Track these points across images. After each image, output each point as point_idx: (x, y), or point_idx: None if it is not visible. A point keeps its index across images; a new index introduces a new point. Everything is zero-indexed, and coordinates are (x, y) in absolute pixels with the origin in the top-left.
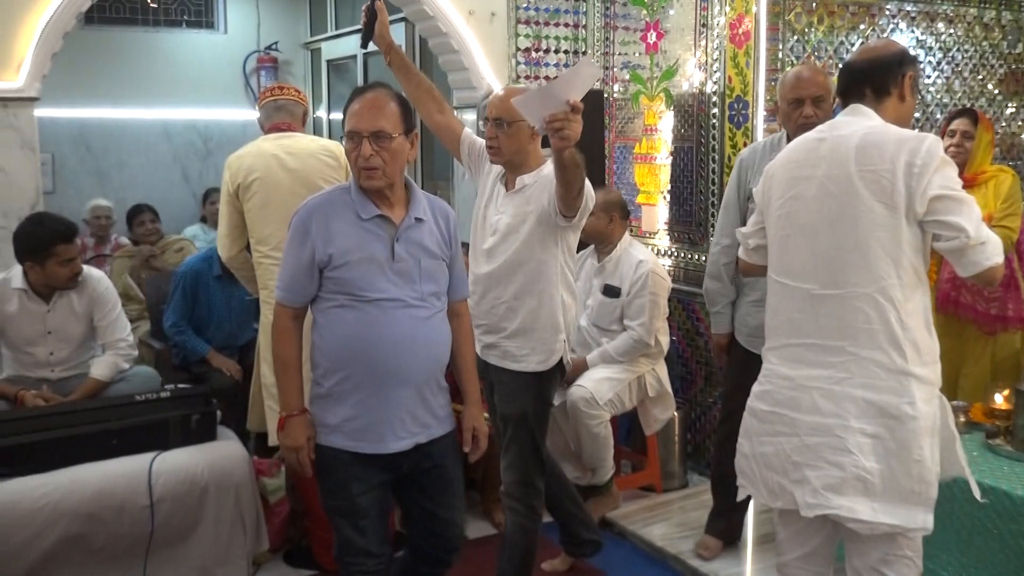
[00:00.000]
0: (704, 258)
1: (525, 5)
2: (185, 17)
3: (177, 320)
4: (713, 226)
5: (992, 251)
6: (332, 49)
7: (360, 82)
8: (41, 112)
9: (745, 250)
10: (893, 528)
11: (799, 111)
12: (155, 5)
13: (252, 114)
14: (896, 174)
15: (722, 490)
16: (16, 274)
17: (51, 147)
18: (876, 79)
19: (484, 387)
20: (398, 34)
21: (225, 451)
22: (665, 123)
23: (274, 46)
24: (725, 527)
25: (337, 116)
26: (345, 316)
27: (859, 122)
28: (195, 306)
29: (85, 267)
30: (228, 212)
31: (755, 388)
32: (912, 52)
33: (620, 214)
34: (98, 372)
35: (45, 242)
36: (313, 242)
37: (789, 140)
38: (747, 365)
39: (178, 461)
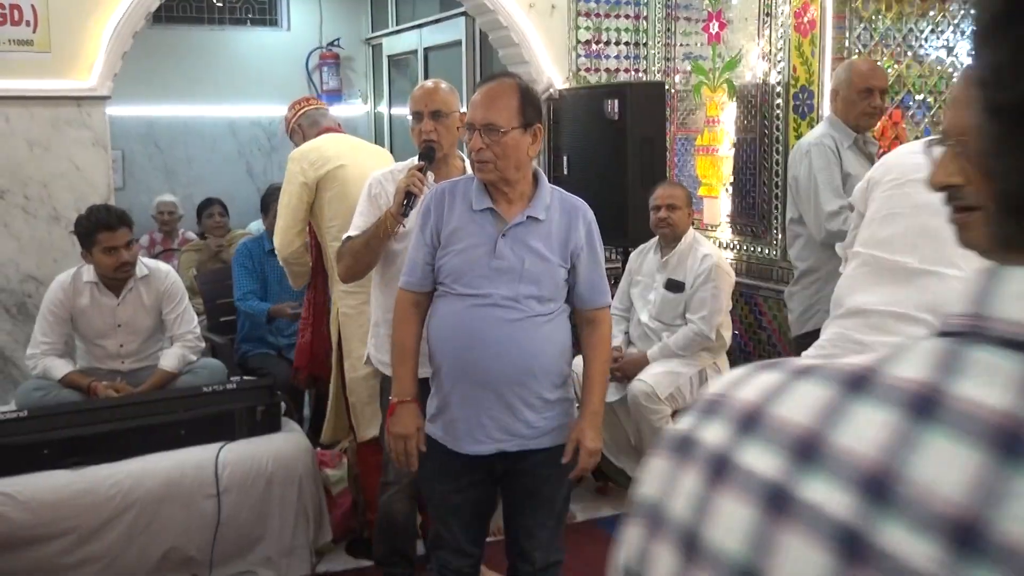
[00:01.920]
0: (767, 251)
1: None
2: (249, 15)
3: (243, 289)
4: (777, 219)
5: None
6: (393, 45)
7: (421, 77)
8: (112, 110)
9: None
10: None
11: (869, 100)
12: (220, 4)
13: None
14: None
15: None
16: (88, 268)
17: (121, 144)
18: None
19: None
20: (457, 29)
21: (289, 442)
22: (727, 114)
23: (336, 42)
24: None
25: (398, 111)
26: (442, 307)
27: None
28: (256, 275)
29: (153, 261)
30: (296, 205)
31: (816, 352)
32: None
33: (692, 209)
34: (167, 364)
35: (89, 230)
36: (432, 225)
37: (856, 129)
38: None
39: (244, 452)
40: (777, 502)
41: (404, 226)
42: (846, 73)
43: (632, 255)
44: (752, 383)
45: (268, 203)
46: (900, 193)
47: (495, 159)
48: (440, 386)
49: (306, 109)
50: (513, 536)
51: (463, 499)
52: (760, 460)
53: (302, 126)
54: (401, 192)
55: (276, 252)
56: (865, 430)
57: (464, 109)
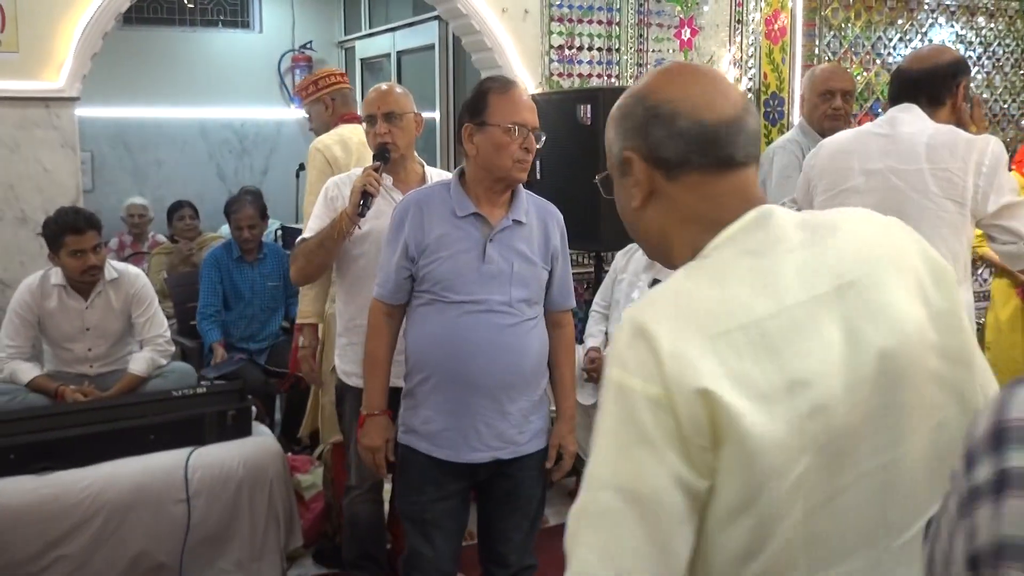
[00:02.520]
0: None
1: (558, 2)
2: (221, 17)
3: (207, 304)
4: None
5: None
6: (366, 48)
7: (394, 80)
8: (81, 112)
9: None
10: None
11: (829, 102)
12: (191, 5)
13: (287, 112)
14: (967, 172)
15: None
16: (56, 271)
17: (90, 146)
18: (931, 88)
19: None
20: (430, 33)
21: (260, 447)
22: None
23: (308, 45)
24: None
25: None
26: (428, 315)
27: (921, 121)
28: (223, 289)
29: (122, 264)
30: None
31: None
32: (952, 47)
33: None
34: (136, 368)
35: (56, 232)
36: (406, 236)
37: (821, 132)
38: None
39: (214, 456)
40: None
41: (360, 227)
42: (808, 77)
43: (618, 254)
44: None
45: (230, 211)
46: (842, 204)
47: (528, 161)
48: (428, 396)
49: (341, 86)
50: (489, 541)
51: (446, 509)
52: None
53: (334, 100)
54: (357, 192)
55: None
56: None
57: (428, 115)
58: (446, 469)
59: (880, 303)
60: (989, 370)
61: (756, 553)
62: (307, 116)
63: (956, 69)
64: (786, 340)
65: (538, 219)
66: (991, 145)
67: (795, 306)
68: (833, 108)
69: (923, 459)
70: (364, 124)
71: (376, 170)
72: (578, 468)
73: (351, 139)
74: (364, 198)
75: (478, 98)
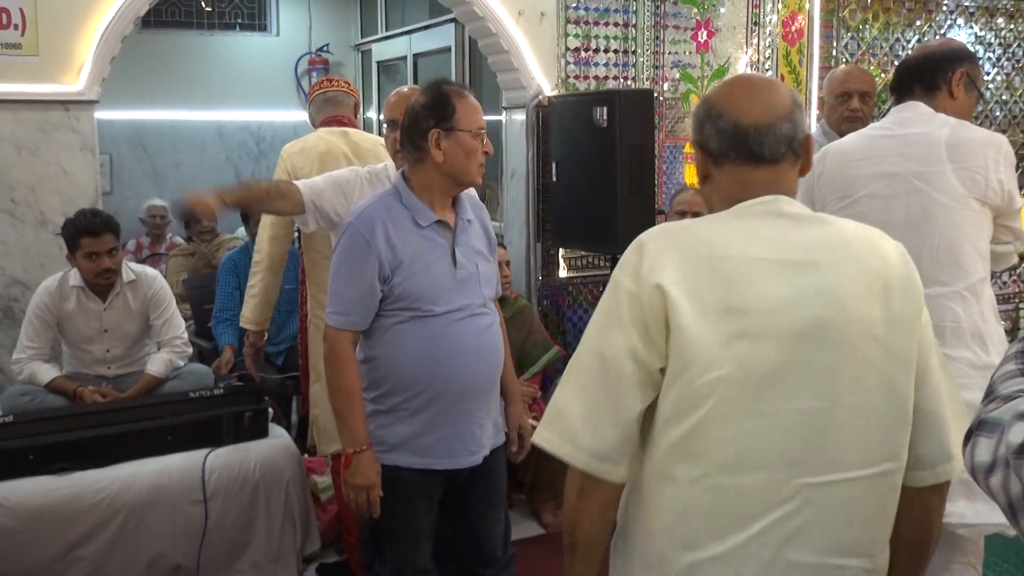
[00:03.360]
0: None
1: (575, 5)
2: (238, 20)
3: (223, 309)
4: None
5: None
6: (382, 50)
7: (410, 83)
8: (100, 114)
9: None
10: (998, 527)
11: (847, 104)
12: (209, 9)
13: (303, 115)
14: (988, 170)
15: None
16: (75, 272)
17: (109, 148)
18: (924, 75)
19: None
20: (447, 36)
21: (277, 448)
22: None
23: (325, 48)
24: None
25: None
26: (412, 331)
27: (930, 119)
28: (240, 293)
29: (140, 266)
30: None
31: None
32: (971, 48)
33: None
34: (154, 369)
35: (73, 234)
36: (378, 255)
37: (840, 134)
38: None
39: (231, 458)
40: None
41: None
42: (827, 79)
43: None
44: None
45: (248, 214)
46: (862, 211)
47: (484, 164)
48: (417, 411)
49: (315, 94)
50: (473, 542)
51: (431, 518)
52: None
53: (311, 114)
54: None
55: (259, 254)
56: None
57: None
58: (437, 479)
59: (832, 286)
60: (944, 386)
61: (677, 420)
62: None
63: (953, 56)
64: (738, 278)
65: (475, 211)
66: (1004, 144)
67: (758, 260)
68: (851, 110)
69: (848, 426)
70: (386, 127)
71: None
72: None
73: (315, 147)
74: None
75: (443, 102)
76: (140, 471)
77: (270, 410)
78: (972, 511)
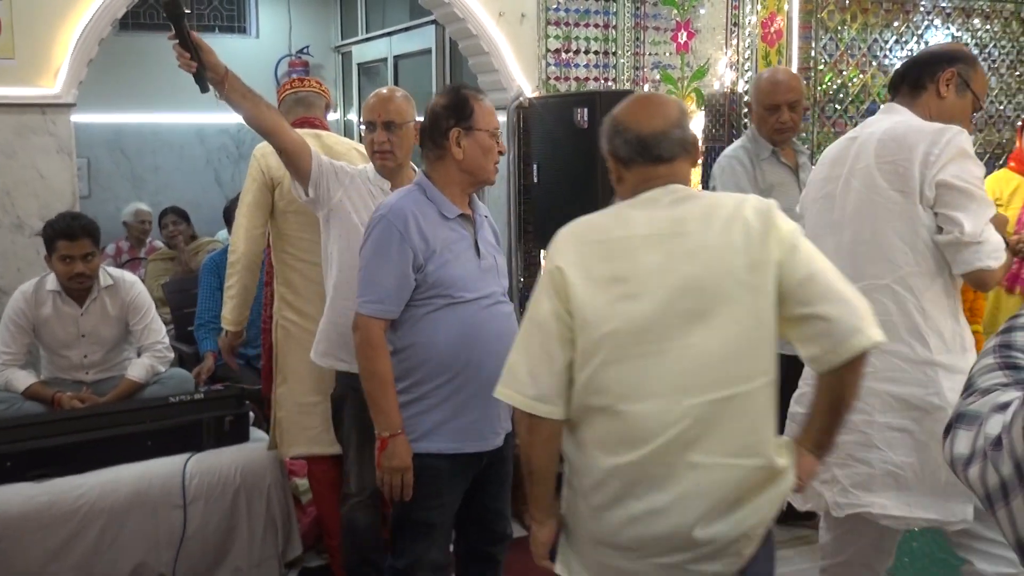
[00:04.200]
0: None
1: (555, 6)
2: (218, 23)
3: (204, 311)
4: None
5: (987, 253)
6: (363, 52)
7: (391, 84)
8: (77, 117)
9: None
10: (930, 523)
11: (776, 116)
12: (188, 11)
13: None
14: (912, 162)
15: None
16: (52, 276)
17: (87, 152)
18: (912, 73)
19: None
20: (427, 37)
21: (258, 452)
22: (696, 123)
23: (305, 50)
24: None
25: None
26: (445, 318)
27: (889, 119)
28: (221, 295)
29: (118, 271)
30: (258, 205)
31: (795, 394)
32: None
33: None
34: (134, 374)
35: (51, 236)
36: (412, 245)
37: (772, 143)
38: None
39: (211, 462)
40: None
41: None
42: (754, 88)
43: None
44: None
45: (231, 216)
46: (820, 210)
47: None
48: (448, 396)
49: (286, 94)
50: (484, 520)
51: (454, 510)
52: None
53: (280, 113)
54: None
55: (235, 254)
56: None
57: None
58: (465, 465)
59: (699, 247)
60: (833, 279)
61: (583, 366)
62: None
63: (946, 56)
64: (620, 253)
65: (481, 208)
66: (946, 134)
67: (635, 236)
68: (780, 122)
69: (722, 353)
70: (364, 129)
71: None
72: None
73: None
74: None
75: (463, 103)
76: (120, 477)
77: (251, 414)
78: (901, 504)
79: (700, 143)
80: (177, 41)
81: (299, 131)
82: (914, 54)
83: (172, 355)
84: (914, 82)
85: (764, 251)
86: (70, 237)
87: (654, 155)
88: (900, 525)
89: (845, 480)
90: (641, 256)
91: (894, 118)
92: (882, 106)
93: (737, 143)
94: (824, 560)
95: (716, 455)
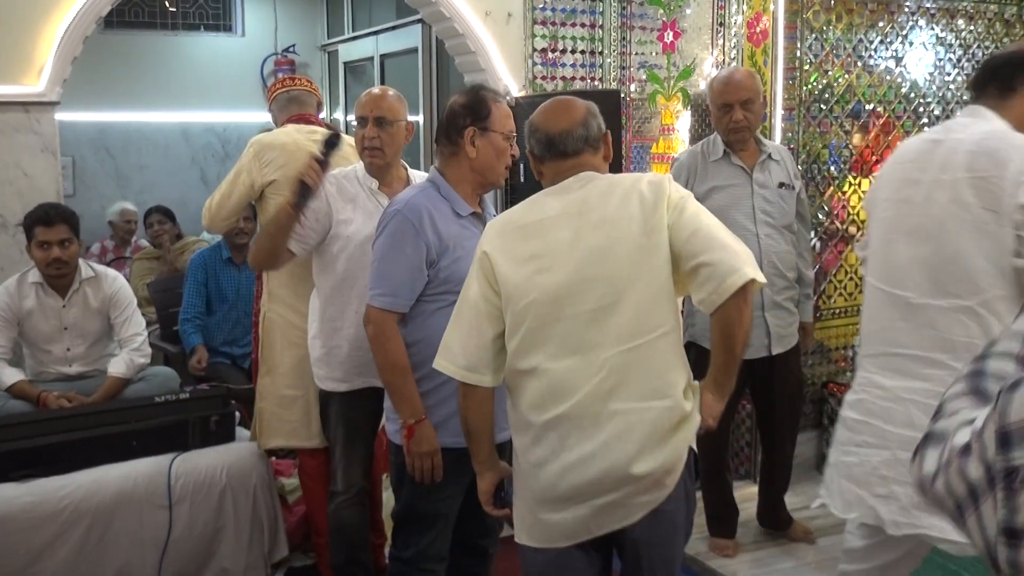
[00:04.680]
0: None
1: (542, 6)
2: (203, 21)
3: (190, 306)
4: None
5: None
6: (349, 51)
7: (377, 84)
8: (61, 116)
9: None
10: None
11: (729, 115)
12: (173, 9)
13: (269, 116)
14: (1005, 179)
15: (712, 492)
16: (35, 269)
17: (71, 150)
18: (1002, 74)
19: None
20: (414, 36)
21: (244, 452)
22: (682, 123)
23: (291, 48)
24: (727, 527)
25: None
26: None
27: (977, 125)
28: (207, 291)
29: (100, 267)
30: (239, 194)
31: (848, 396)
32: (931, 49)
33: None
34: (116, 370)
35: (29, 224)
36: (426, 241)
37: (725, 143)
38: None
39: (197, 462)
40: None
41: (304, 216)
42: (708, 88)
43: None
44: None
45: None
46: (896, 215)
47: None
48: (454, 392)
49: (278, 92)
50: (478, 514)
51: (458, 503)
52: None
53: (273, 111)
54: (296, 181)
55: (204, 220)
56: None
57: (412, 118)
58: (468, 457)
59: (602, 219)
60: (715, 232)
61: (513, 335)
62: None
63: None
64: (536, 234)
65: (491, 211)
66: None
67: (548, 218)
68: (734, 121)
69: (627, 311)
70: (356, 125)
71: (319, 160)
72: None
73: (285, 144)
74: (302, 188)
75: (480, 104)
76: (104, 477)
77: (237, 414)
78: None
79: (687, 142)
80: (321, 165)
81: (296, 126)
82: (1012, 46)
83: (150, 350)
84: (1005, 84)
85: (656, 216)
86: (46, 223)
87: (559, 151)
88: (955, 550)
89: (905, 499)
90: (553, 234)
91: (984, 126)
92: (965, 108)
93: (701, 141)
94: (848, 564)
95: (632, 401)
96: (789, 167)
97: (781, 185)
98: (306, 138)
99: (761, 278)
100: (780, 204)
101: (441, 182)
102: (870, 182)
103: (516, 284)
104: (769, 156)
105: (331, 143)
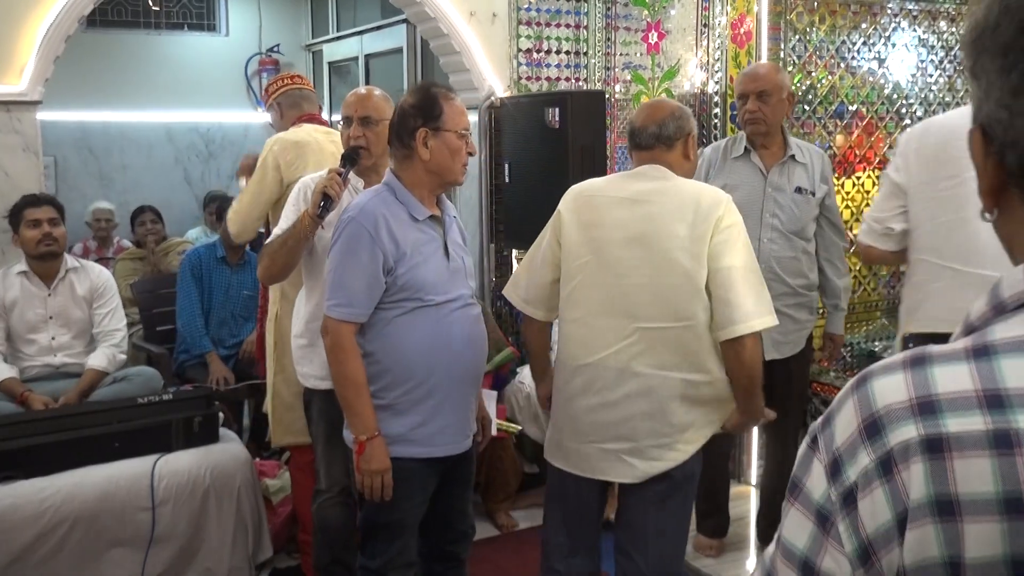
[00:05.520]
0: None
1: (526, 6)
2: (187, 20)
3: (190, 306)
4: None
5: None
6: (333, 51)
7: (362, 84)
8: (44, 115)
9: (881, 235)
10: None
11: (744, 106)
12: (157, 8)
13: (254, 116)
14: None
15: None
16: (20, 260)
17: (54, 150)
18: None
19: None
20: (398, 36)
21: (228, 453)
22: None
23: (275, 48)
24: (715, 525)
25: (339, 118)
26: (415, 322)
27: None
28: (200, 292)
29: (86, 261)
30: (267, 194)
31: None
32: (913, 51)
33: None
34: (97, 363)
35: (16, 209)
36: (382, 248)
37: (749, 141)
38: None
39: (181, 464)
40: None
41: (323, 227)
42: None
43: None
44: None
45: (224, 209)
46: (966, 193)
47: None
48: (419, 401)
49: (288, 88)
50: (447, 519)
51: (424, 510)
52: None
53: (281, 105)
54: (318, 193)
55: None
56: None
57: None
58: (435, 468)
59: (654, 214)
60: (733, 278)
61: (565, 285)
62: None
63: None
64: (599, 207)
65: (451, 213)
66: None
67: (613, 198)
68: (748, 111)
69: (660, 296)
70: (341, 124)
71: (340, 173)
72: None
73: (308, 144)
74: (325, 200)
75: (431, 103)
76: (87, 479)
77: (221, 414)
78: None
79: None
80: (342, 177)
81: (312, 125)
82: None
83: (126, 345)
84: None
85: (701, 229)
86: (35, 204)
87: (636, 143)
88: None
89: None
90: (612, 212)
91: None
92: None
93: (727, 137)
94: None
95: (652, 367)
96: (816, 171)
97: (798, 190)
98: (325, 139)
99: (763, 326)
100: (792, 209)
101: (397, 186)
102: (852, 183)
103: (575, 244)
104: (792, 158)
105: (351, 158)
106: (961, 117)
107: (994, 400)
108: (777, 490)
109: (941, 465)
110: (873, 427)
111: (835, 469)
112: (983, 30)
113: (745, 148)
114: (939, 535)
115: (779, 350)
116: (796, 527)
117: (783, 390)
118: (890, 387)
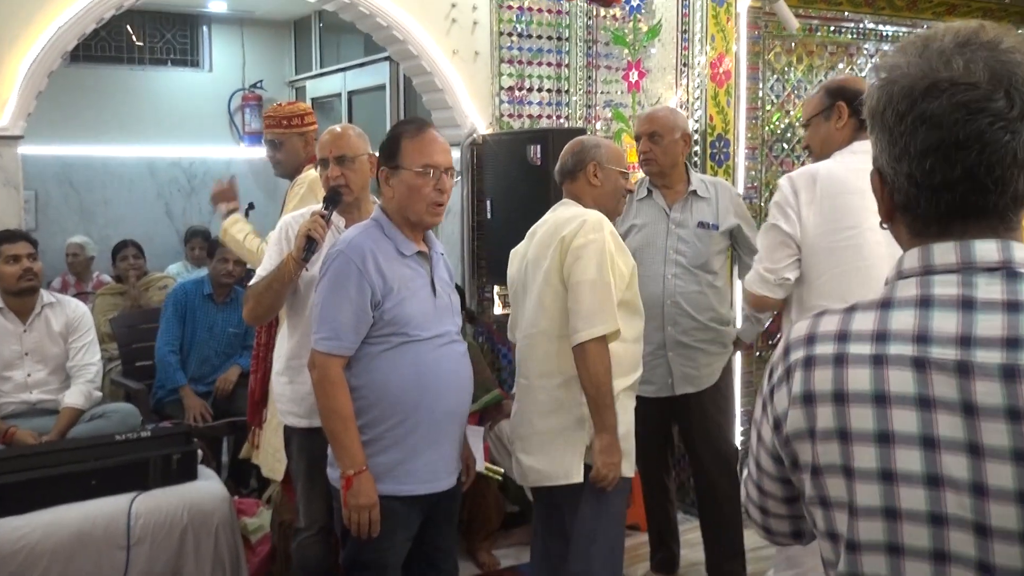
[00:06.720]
0: None
1: (508, 44)
2: (171, 56)
3: (169, 340)
4: None
5: None
6: (317, 87)
7: (345, 121)
8: (25, 149)
9: (776, 285)
10: None
11: (638, 147)
12: (141, 44)
13: (236, 151)
14: None
15: (653, 517)
16: None
17: (35, 184)
18: None
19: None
20: (381, 73)
21: (206, 491)
22: None
23: (259, 84)
24: (663, 560)
25: None
26: (400, 358)
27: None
28: (183, 327)
29: (63, 295)
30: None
31: None
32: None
33: None
34: (74, 400)
35: None
36: (370, 282)
37: (650, 182)
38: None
39: (158, 502)
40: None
41: (307, 269)
42: None
43: None
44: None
45: (217, 246)
46: (865, 242)
47: (443, 202)
48: (403, 437)
49: (313, 128)
50: (429, 556)
51: (407, 549)
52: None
53: (311, 142)
54: (302, 237)
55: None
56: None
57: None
58: (418, 506)
59: (537, 241)
60: (579, 293)
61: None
62: (275, 149)
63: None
64: (527, 237)
65: (438, 249)
66: None
67: (532, 229)
68: (641, 152)
69: (528, 308)
70: (319, 167)
71: (323, 215)
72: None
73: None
74: (309, 243)
75: (391, 142)
76: (63, 517)
77: (199, 452)
78: None
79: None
80: (325, 220)
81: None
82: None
83: (100, 381)
84: None
85: (559, 249)
86: (11, 240)
87: (556, 180)
88: None
89: None
90: (526, 242)
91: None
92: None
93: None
94: (779, 572)
95: (531, 377)
96: (721, 205)
97: (701, 224)
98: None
99: (592, 335)
100: (695, 244)
101: (385, 221)
102: None
103: (512, 273)
104: (694, 193)
105: (333, 199)
106: (845, 169)
107: (842, 335)
108: (715, 532)
109: (809, 374)
110: (786, 350)
111: (769, 374)
112: (874, 112)
113: (648, 189)
114: (805, 414)
115: (692, 383)
116: (757, 413)
117: (700, 423)
118: (800, 327)
